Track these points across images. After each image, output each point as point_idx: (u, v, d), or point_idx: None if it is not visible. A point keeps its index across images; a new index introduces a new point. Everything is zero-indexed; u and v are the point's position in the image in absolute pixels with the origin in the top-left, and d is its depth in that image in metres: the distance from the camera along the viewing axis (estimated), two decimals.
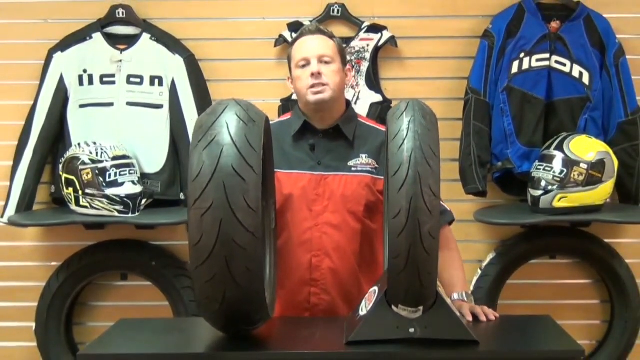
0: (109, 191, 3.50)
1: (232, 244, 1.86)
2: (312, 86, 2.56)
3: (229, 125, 1.92)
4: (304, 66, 2.59)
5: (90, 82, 3.73)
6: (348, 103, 2.72)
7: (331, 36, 2.68)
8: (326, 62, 2.59)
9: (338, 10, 3.79)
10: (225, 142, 1.90)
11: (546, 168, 3.53)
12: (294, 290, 2.61)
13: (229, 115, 1.95)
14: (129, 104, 3.71)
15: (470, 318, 2.36)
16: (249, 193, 1.87)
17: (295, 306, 2.61)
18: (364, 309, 2.17)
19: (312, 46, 2.62)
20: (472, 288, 3.77)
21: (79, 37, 3.76)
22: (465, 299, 2.53)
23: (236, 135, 1.91)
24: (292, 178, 2.62)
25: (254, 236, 1.88)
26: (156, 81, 3.72)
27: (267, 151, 2.28)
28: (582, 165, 3.49)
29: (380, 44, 3.76)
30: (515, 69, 3.68)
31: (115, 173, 3.52)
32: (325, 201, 2.60)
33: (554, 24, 3.70)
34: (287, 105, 3.70)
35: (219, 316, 2.03)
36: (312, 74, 2.56)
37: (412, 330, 2.06)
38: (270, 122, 2.25)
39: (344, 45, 2.88)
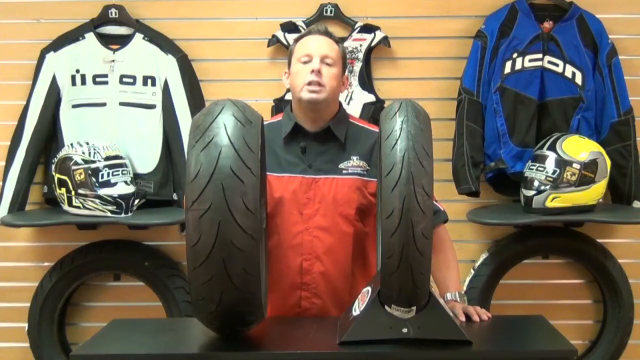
0: (102, 191, 3.50)
1: (230, 246, 1.87)
2: (310, 83, 2.55)
3: (226, 127, 1.92)
4: (305, 62, 2.58)
5: (83, 82, 3.72)
6: (339, 104, 2.71)
7: (337, 41, 2.67)
8: (328, 64, 2.58)
9: (331, 11, 3.79)
10: (224, 143, 1.89)
11: (539, 168, 3.54)
12: (284, 294, 2.60)
13: (226, 116, 1.94)
14: (121, 104, 3.71)
15: (463, 318, 2.36)
16: (247, 195, 1.87)
17: (286, 310, 2.60)
18: (357, 309, 2.17)
19: (318, 45, 2.61)
20: (465, 288, 3.78)
21: (72, 37, 3.75)
22: (458, 299, 2.53)
23: (234, 137, 1.91)
24: (283, 181, 2.60)
25: (252, 238, 1.88)
26: (149, 81, 3.71)
27: (261, 152, 2.28)
28: (574, 165, 3.50)
29: (373, 44, 3.76)
30: (508, 69, 3.69)
31: (108, 173, 3.52)
32: (316, 204, 2.59)
33: (547, 25, 3.70)
34: (280, 105, 3.70)
35: (215, 317, 2.03)
36: (313, 71, 2.55)
37: (405, 330, 2.06)
38: None
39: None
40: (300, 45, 2.64)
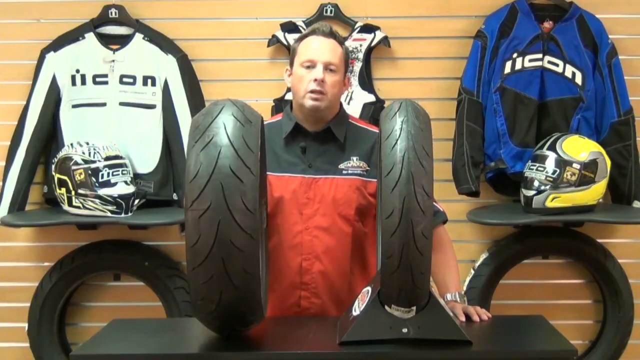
0: (102, 191, 3.49)
1: (230, 246, 1.86)
2: (312, 91, 2.54)
3: (226, 126, 1.92)
4: (308, 67, 2.56)
5: (83, 82, 3.72)
6: (340, 104, 2.70)
7: (341, 42, 2.65)
8: (331, 70, 2.56)
9: (331, 11, 3.78)
10: (223, 143, 1.89)
11: (539, 168, 3.54)
12: (284, 293, 2.60)
13: (226, 116, 1.94)
14: (121, 104, 3.71)
15: (463, 318, 2.36)
16: (247, 194, 1.87)
17: (285, 310, 2.60)
18: (357, 309, 2.17)
19: (322, 50, 2.58)
20: (465, 288, 3.78)
21: (72, 37, 3.75)
22: (458, 299, 2.53)
23: (233, 137, 1.91)
24: (283, 181, 2.60)
25: (251, 238, 1.88)
26: (149, 81, 3.71)
27: (261, 151, 2.28)
28: (574, 165, 3.50)
29: (373, 44, 3.76)
30: (508, 69, 3.69)
31: (108, 173, 3.51)
32: (316, 204, 2.59)
33: (547, 25, 3.70)
34: (280, 105, 3.70)
35: (214, 317, 2.02)
36: (316, 80, 2.54)
37: (405, 330, 2.06)
38: None
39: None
40: (304, 46, 2.61)
